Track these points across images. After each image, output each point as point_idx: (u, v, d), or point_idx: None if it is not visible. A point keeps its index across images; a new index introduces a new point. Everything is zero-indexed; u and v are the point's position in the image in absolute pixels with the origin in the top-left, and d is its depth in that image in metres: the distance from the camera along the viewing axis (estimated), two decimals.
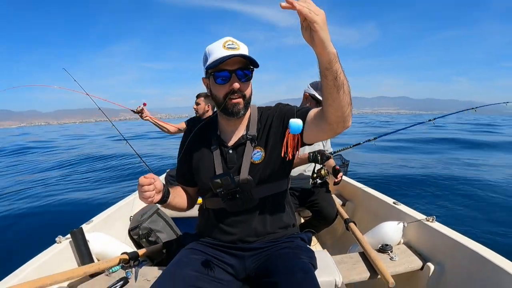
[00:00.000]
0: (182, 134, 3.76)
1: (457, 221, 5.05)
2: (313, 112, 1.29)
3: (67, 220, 4.90)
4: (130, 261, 1.78)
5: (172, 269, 1.34)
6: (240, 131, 1.47)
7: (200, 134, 1.50)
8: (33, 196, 6.91)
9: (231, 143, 1.45)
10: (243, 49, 1.32)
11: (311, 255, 1.45)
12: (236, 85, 1.31)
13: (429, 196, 6.56)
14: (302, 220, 3.07)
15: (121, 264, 1.77)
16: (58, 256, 1.80)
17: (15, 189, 7.50)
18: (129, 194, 2.95)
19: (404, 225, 2.06)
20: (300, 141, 1.20)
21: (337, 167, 2.68)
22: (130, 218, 2.59)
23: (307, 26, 0.93)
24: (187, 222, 2.80)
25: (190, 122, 3.58)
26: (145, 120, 3.63)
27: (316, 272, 1.47)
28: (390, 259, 1.86)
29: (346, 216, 2.55)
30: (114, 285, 1.61)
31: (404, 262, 1.85)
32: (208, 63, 1.32)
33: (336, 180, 2.64)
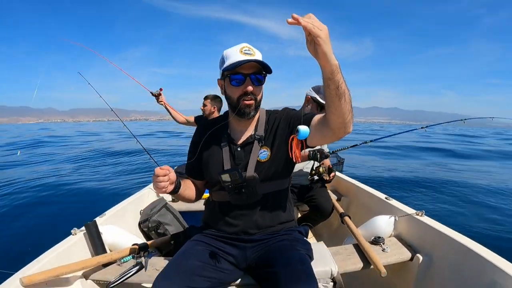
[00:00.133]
0: (186, 125, 3.81)
1: (444, 216, 5.08)
2: (317, 118, 1.29)
3: (82, 212, 4.91)
4: (140, 252, 1.78)
5: (178, 259, 1.35)
6: (249, 131, 1.48)
7: (212, 132, 1.50)
8: (50, 186, 6.94)
9: (240, 141, 1.46)
10: (258, 56, 1.34)
11: (308, 247, 1.46)
12: (250, 88, 1.33)
13: (418, 194, 6.65)
14: (300, 215, 3.07)
15: (132, 255, 1.77)
16: (74, 247, 1.80)
17: (35, 180, 7.50)
18: (139, 190, 2.96)
19: (395, 219, 2.05)
20: (305, 145, 1.23)
21: (331, 166, 2.69)
22: (140, 212, 2.59)
23: (312, 40, 0.94)
24: (193, 215, 2.80)
25: (200, 120, 3.64)
26: (160, 103, 3.65)
27: (314, 263, 1.47)
28: (382, 250, 1.86)
29: (341, 210, 2.55)
30: (129, 270, 1.62)
31: (395, 253, 1.85)
32: (225, 65, 1.33)
33: (328, 179, 2.65)
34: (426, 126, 3.60)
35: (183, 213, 2.72)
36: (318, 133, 1.25)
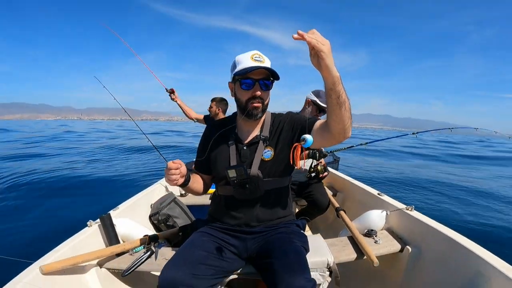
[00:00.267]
0: (196, 121, 3.88)
1: (434, 211, 5.10)
2: (319, 123, 1.31)
3: (96, 204, 4.94)
4: (151, 242, 1.78)
5: (185, 249, 1.37)
6: (255, 132, 1.48)
7: (221, 130, 1.51)
8: (67, 178, 6.96)
9: (246, 140, 1.47)
10: (267, 63, 1.35)
11: (304, 239, 1.46)
12: (258, 92, 1.35)
13: (407, 191, 6.67)
14: (298, 209, 3.07)
15: (143, 245, 1.78)
16: (89, 237, 1.81)
17: (54, 170, 7.50)
18: (149, 184, 2.96)
19: (387, 213, 2.06)
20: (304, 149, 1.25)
21: (325, 164, 2.70)
22: (151, 205, 2.60)
23: (315, 54, 0.96)
24: (200, 209, 2.81)
25: (208, 119, 3.70)
26: (173, 100, 3.67)
27: (311, 253, 1.48)
28: (374, 242, 1.86)
29: (337, 205, 2.56)
30: (141, 257, 1.63)
31: (387, 245, 1.85)
32: (236, 70, 1.34)
33: (321, 176, 2.66)
34: (417, 132, 3.64)
35: (190, 207, 2.72)
36: (319, 137, 1.27)
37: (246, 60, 1.33)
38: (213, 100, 3.69)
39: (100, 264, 1.71)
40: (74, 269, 1.57)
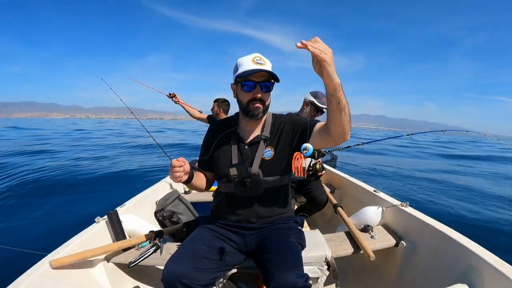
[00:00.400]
0: (200, 120, 3.94)
1: (428, 206, 5.10)
2: (319, 125, 1.31)
3: (104, 200, 4.96)
4: (156, 238, 1.79)
5: (188, 244, 1.37)
6: (256, 132, 1.48)
7: (223, 130, 1.50)
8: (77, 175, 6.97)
9: (247, 140, 1.47)
10: (268, 65, 1.34)
11: (301, 236, 1.46)
12: (259, 94, 1.35)
13: (401, 187, 6.69)
14: (297, 206, 3.07)
15: (148, 240, 1.78)
16: (97, 233, 1.81)
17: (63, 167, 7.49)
18: (155, 183, 2.97)
19: (382, 209, 2.05)
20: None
21: (321, 163, 2.70)
22: (156, 202, 2.60)
23: (317, 61, 0.96)
24: (203, 206, 2.81)
25: (211, 119, 3.76)
26: (176, 103, 3.76)
27: (310, 248, 1.48)
28: (371, 237, 1.86)
29: (334, 201, 2.55)
30: (147, 251, 1.64)
31: (382, 240, 1.85)
32: (238, 72, 1.34)
33: (320, 174, 2.66)
34: (412, 134, 3.66)
35: (194, 204, 2.72)
36: (320, 138, 1.27)
37: (248, 62, 1.33)
38: (215, 101, 3.73)
39: (108, 259, 1.72)
40: (83, 263, 1.58)
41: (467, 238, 1.49)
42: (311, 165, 2.65)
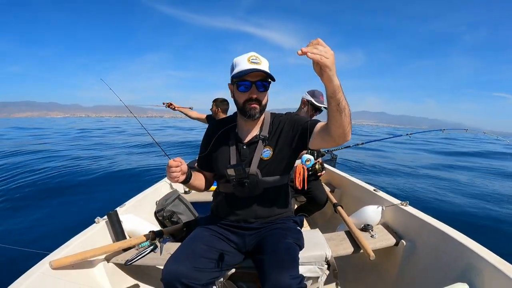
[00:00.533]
0: (199, 121, 4.02)
1: (426, 205, 5.09)
2: (319, 125, 1.30)
3: (104, 200, 4.96)
4: (156, 238, 1.79)
5: (187, 244, 1.37)
6: (255, 131, 1.47)
7: (222, 130, 1.50)
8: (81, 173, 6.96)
9: (246, 140, 1.46)
10: (264, 64, 1.32)
11: (299, 236, 1.45)
12: (254, 95, 1.34)
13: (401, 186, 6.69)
14: (297, 205, 3.07)
15: (148, 240, 1.78)
16: (97, 233, 1.81)
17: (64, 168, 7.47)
18: (155, 183, 2.97)
19: (382, 208, 2.05)
20: (306, 147, 1.27)
21: (322, 162, 2.70)
22: (156, 202, 2.60)
23: (318, 64, 0.95)
24: (203, 205, 2.81)
25: (210, 119, 3.80)
26: (174, 110, 3.85)
27: (310, 248, 1.48)
28: (371, 236, 1.86)
29: (334, 201, 2.55)
30: (144, 250, 1.63)
31: (382, 239, 1.85)
32: (233, 73, 1.33)
33: (320, 174, 2.66)
34: (411, 133, 3.67)
35: (194, 204, 2.72)
36: (320, 139, 1.26)
37: (243, 62, 1.31)
38: (214, 101, 3.76)
39: (108, 259, 1.72)
40: (83, 263, 1.58)
41: (467, 237, 1.49)
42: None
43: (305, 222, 2.56)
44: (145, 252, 1.64)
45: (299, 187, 1.12)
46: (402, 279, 1.77)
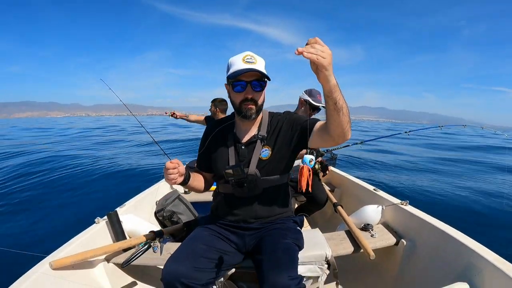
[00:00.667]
0: (198, 123, 4.08)
1: (426, 204, 5.08)
2: (319, 124, 1.29)
3: (103, 201, 4.96)
4: (156, 238, 1.79)
5: (187, 244, 1.37)
6: (253, 131, 1.46)
7: (220, 131, 1.50)
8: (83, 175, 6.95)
9: (244, 140, 1.45)
10: (259, 63, 1.31)
11: (298, 236, 1.45)
12: (250, 95, 1.33)
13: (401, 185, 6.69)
14: (297, 205, 3.07)
15: (148, 240, 1.78)
16: (97, 234, 1.81)
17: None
18: (155, 183, 2.97)
19: (382, 208, 2.05)
20: (306, 147, 1.28)
21: (325, 161, 2.69)
22: (156, 202, 2.60)
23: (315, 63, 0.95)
24: (203, 205, 2.81)
25: (209, 120, 3.82)
26: (177, 118, 4.10)
27: (310, 247, 1.48)
28: (371, 236, 1.86)
29: (334, 200, 2.55)
30: (141, 249, 1.64)
31: (382, 238, 1.85)
32: (229, 73, 1.32)
33: (322, 175, 2.66)
34: (409, 131, 3.68)
35: (194, 204, 2.72)
36: (319, 138, 1.26)
37: (238, 62, 1.30)
38: (212, 101, 3.77)
39: (108, 259, 1.72)
40: (83, 264, 1.58)
41: (467, 236, 1.49)
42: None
43: (305, 221, 2.56)
44: (145, 252, 1.64)
45: (303, 190, 1.10)
46: (402, 279, 1.77)
